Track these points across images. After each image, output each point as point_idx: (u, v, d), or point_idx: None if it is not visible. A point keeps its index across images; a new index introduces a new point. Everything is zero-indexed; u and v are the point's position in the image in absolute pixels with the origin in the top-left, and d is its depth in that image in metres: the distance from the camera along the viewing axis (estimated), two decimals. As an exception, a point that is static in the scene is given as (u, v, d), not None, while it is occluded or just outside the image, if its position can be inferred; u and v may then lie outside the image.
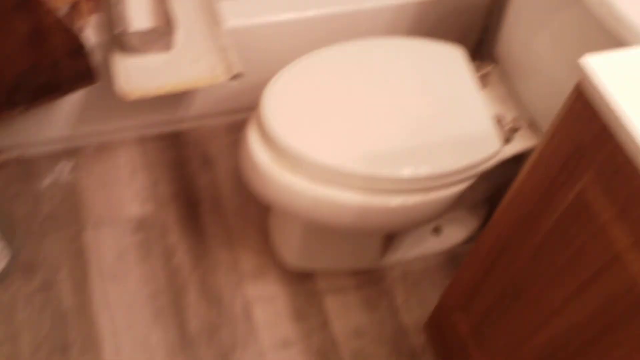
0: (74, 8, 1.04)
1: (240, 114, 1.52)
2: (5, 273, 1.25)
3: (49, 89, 1.06)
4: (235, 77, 1.14)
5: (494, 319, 1.00)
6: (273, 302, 1.31)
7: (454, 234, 1.41)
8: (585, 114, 0.65)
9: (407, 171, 1.00)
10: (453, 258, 1.40)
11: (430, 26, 1.44)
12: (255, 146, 1.02)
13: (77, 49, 1.02)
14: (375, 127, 1.03)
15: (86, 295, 1.27)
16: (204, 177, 1.46)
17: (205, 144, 1.52)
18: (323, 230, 1.25)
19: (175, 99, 1.43)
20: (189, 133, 1.53)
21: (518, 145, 1.10)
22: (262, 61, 1.37)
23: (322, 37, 1.35)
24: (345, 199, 1.01)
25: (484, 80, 1.18)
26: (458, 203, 1.10)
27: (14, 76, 0.99)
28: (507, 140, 1.09)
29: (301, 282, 1.34)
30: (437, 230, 1.42)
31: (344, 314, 1.31)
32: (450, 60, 1.16)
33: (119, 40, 1.12)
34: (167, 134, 1.51)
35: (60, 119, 1.37)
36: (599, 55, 0.64)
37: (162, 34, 1.12)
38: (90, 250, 1.33)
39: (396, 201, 1.02)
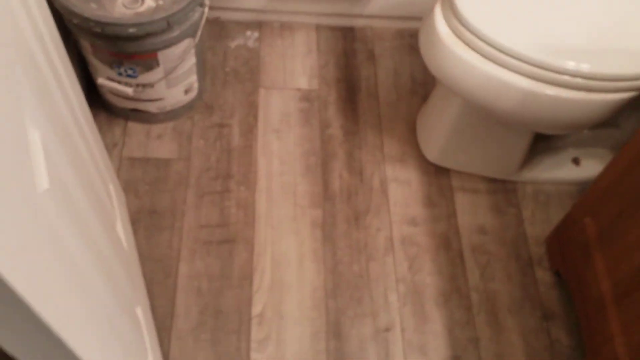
0: None
1: (408, 21, 1.64)
2: (191, 105, 1.46)
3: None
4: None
5: (622, 225, 1.06)
6: (408, 185, 1.43)
7: (592, 168, 1.45)
8: None
9: (571, 64, 1.07)
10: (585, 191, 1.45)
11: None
12: (438, 17, 1.14)
13: None
14: (556, 20, 1.11)
15: (251, 140, 1.45)
16: (366, 69, 1.60)
17: (372, 42, 1.65)
18: (470, 132, 1.35)
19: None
20: (360, 30, 1.67)
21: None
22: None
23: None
24: (510, 80, 1.10)
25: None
26: (614, 115, 1.16)
27: None
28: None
29: (437, 175, 1.44)
30: (576, 161, 1.47)
31: (472, 211, 1.40)
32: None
33: None
34: (342, 26, 1.67)
35: (258, -10, 1.55)
36: None
37: None
38: (261, 105, 1.51)
39: (554, 91, 1.09)
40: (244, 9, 1.61)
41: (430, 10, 1.18)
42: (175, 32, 1.22)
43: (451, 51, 1.12)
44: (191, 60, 1.33)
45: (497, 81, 1.10)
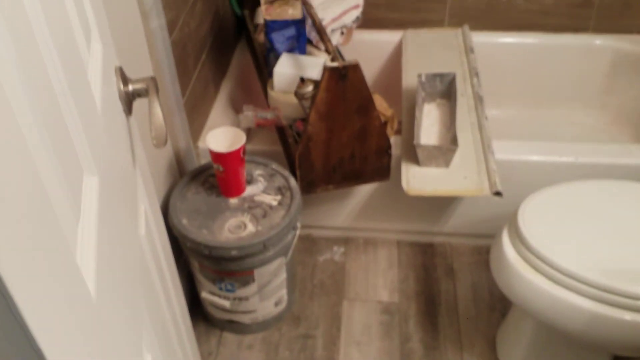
0: (388, 120, 1.43)
1: (484, 239, 1.74)
2: (280, 316, 1.58)
3: (354, 176, 1.44)
4: (497, 193, 1.39)
5: None
6: (491, 403, 1.41)
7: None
8: None
9: (636, 288, 1.11)
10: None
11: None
12: (506, 242, 1.24)
13: (385, 150, 1.39)
14: (618, 244, 1.18)
15: (334, 352, 1.53)
16: (445, 284, 1.69)
17: (451, 258, 1.75)
18: (550, 345, 1.36)
19: (436, 214, 1.72)
20: (439, 245, 1.79)
21: None
22: (514, 194, 1.60)
23: (570, 177, 1.55)
24: (576, 303, 1.15)
25: None
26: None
27: (337, 159, 1.39)
28: None
29: (520, 393, 1.42)
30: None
31: None
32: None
33: (411, 150, 1.48)
34: (422, 243, 1.80)
35: (345, 212, 1.75)
36: None
37: (445, 152, 1.45)
38: (344, 316, 1.61)
39: (622, 314, 1.12)
40: (333, 227, 1.80)
41: (499, 233, 1.29)
42: (270, 252, 1.39)
43: (518, 274, 1.20)
44: (282, 276, 1.49)
45: (564, 303, 1.15)
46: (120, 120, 0.71)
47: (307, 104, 1.34)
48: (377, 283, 1.70)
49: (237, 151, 1.26)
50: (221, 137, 1.31)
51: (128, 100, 0.74)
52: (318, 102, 1.29)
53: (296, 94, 1.35)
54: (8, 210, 0.33)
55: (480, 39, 2.02)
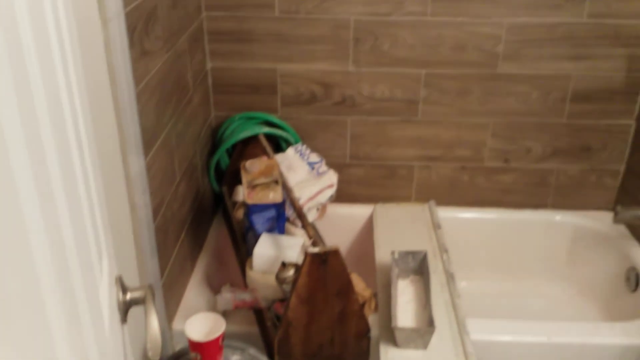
0: (366, 302, 1.45)
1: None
2: None
3: (334, 360, 1.42)
4: (476, 377, 1.38)
5: None
6: None
7: None
8: None
9: None
10: None
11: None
12: None
13: (364, 334, 1.39)
14: None
15: None
16: None
17: None
18: None
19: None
20: None
21: None
22: (495, 374, 1.59)
23: (543, 356, 1.56)
24: None
25: None
26: None
27: (317, 344, 1.38)
28: None
29: None
30: None
31: None
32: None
33: (389, 330, 1.48)
34: None
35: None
36: None
37: (422, 334, 1.45)
38: None
39: None
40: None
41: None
42: None
43: None
44: None
45: None
46: (116, 331, 0.71)
47: (287, 287, 1.36)
48: None
49: (216, 340, 1.24)
50: (199, 323, 1.29)
51: (125, 309, 0.74)
52: (299, 287, 1.31)
53: (277, 278, 1.37)
54: None
55: (447, 214, 2.12)
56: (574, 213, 2.14)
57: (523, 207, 2.16)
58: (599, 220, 2.10)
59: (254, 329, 1.53)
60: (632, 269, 1.90)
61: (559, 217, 2.14)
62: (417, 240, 1.94)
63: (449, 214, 2.13)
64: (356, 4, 1.88)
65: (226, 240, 1.90)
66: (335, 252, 1.31)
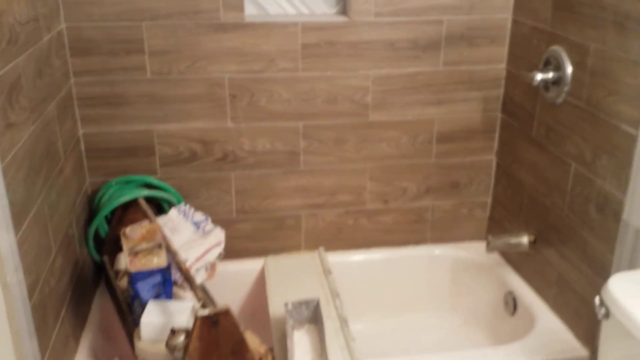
0: (262, 357, 1.43)
1: None
2: None
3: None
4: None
5: None
6: None
7: None
8: None
9: None
10: None
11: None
12: None
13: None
14: None
15: None
16: None
17: None
18: None
19: None
20: None
21: None
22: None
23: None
24: None
25: None
26: None
27: (215, 409, 1.34)
28: None
29: None
30: None
31: None
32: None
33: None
34: None
35: None
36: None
37: (320, 382, 1.46)
38: None
39: None
40: None
41: None
42: None
43: None
44: None
45: None
46: None
47: (179, 354, 1.32)
48: None
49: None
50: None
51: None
52: (191, 352, 1.27)
53: (167, 345, 1.33)
54: None
55: (335, 258, 2.18)
56: (451, 245, 2.28)
57: (405, 244, 2.27)
58: (475, 250, 2.24)
59: (148, 402, 1.46)
60: (509, 293, 2.05)
61: (437, 251, 2.26)
62: (310, 288, 1.97)
63: (337, 259, 2.18)
64: (229, 63, 1.92)
65: (111, 312, 1.81)
66: (226, 312, 1.30)
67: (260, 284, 2.14)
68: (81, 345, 1.68)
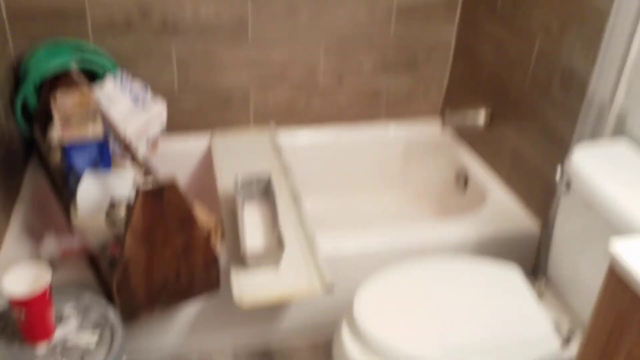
0: (211, 230, 1.37)
1: (325, 335, 1.72)
2: None
3: (183, 294, 1.33)
4: (328, 291, 1.39)
5: None
6: None
7: None
8: (619, 287, 0.86)
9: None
10: None
11: (492, 252, 1.69)
12: (346, 335, 1.22)
13: (212, 262, 1.31)
14: (448, 327, 1.23)
15: None
16: (290, 390, 1.61)
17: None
18: None
19: (272, 316, 1.66)
20: (279, 351, 1.72)
21: (574, 350, 1.26)
22: (346, 287, 1.62)
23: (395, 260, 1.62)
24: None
25: (540, 293, 1.38)
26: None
27: (161, 280, 1.27)
28: (565, 344, 1.25)
29: None
30: None
31: None
32: (508, 277, 1.38)
33: (239, 257, 1.42)
34: (261, 350, 1.71)
35: (174, 329, 1.60)
36: (623, 240, 0.87)
37: (272, 256, 1.41)
38: None
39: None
40: (161, 348, 1.63)
41: (338, 328, 1.27)
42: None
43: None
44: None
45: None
46: None
47: (120, 229, 1.23)
48: (218, 406, 1.56)
49: (42, 294, 1.09)
50: (19, 276, 1.12)
51: None
52: (134, 225, 1.18)
53: (107, 220, 1.23)
54: None
55: (286, 135, 2.08)
56: (405, 123, 2.21)
57: (358, 120, 2.19)
58: (429, 128, 2.19)
59: (89, 276, 1.39)
60: (461, 170, 2.02)
61: (391, 127, 2.19)
62: (259, 165, 1.88)
63: (289, 135, 2.09)
64: None
65: (45, 187, 1.68)
66: (171, 184, 1.20)
67: (207, 161, 2.04)
68: (12, 220, 1.56)
